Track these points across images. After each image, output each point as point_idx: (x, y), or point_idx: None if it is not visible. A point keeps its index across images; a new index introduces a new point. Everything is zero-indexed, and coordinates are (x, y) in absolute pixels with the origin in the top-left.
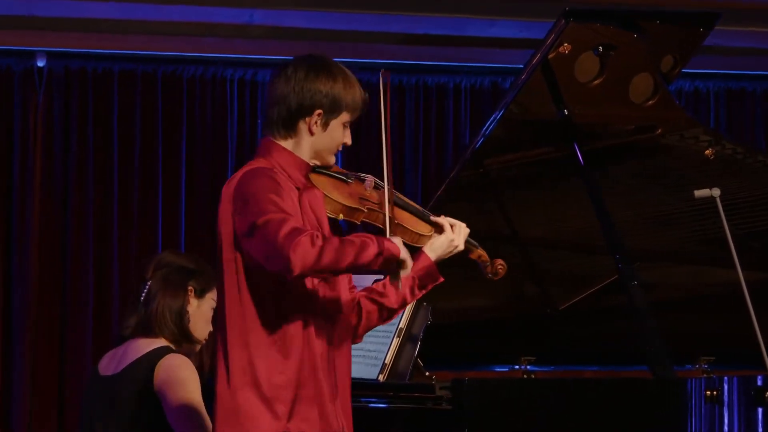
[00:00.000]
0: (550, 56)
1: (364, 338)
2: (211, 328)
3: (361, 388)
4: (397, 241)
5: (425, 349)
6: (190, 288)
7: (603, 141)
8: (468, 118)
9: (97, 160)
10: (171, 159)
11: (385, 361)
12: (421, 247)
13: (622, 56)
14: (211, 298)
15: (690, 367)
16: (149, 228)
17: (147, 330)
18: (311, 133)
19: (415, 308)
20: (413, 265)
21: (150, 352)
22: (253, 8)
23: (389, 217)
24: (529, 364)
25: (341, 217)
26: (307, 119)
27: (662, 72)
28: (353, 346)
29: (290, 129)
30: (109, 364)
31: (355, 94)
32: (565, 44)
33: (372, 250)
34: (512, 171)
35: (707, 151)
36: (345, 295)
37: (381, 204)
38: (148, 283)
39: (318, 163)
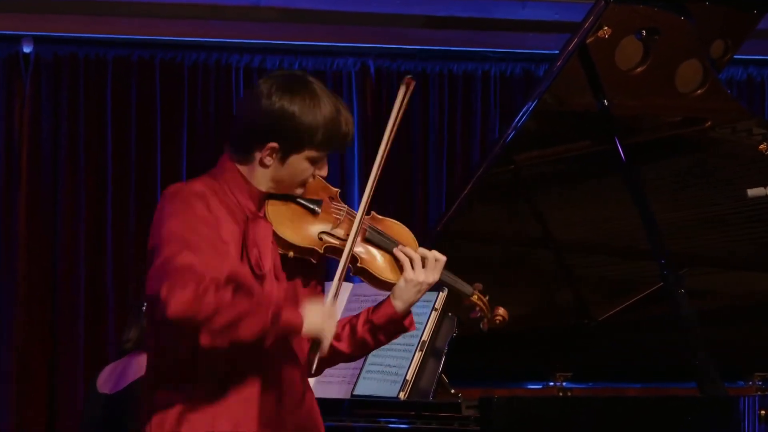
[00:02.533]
0: (588, 41)
1: (384, 352)
2: None
3: (380, 406)
4: (312, 311)
5: (451, 364)
6: None
7: (646, 135)
8: (497, 109)
9: (89, 154)
10: (170, 154)
11: (407, 378)
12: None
13: (667, 41)
14: None
15: (742, 383)
16: (147, 229)
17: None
18: (264, 166)
19: (440, 319)
20: (377, 311)
21: None
22: None
23: (345, 262)
24: (564, 381)
25: (291, 254)
26: (260, 149)
27: (712, 58)
28: (372, 360)
29: (245, 154)
30: (108, 381)
31: (329, 129)
32: (605, 27)
33: (260, 319)
34: (546, 168)
35: (761, 146)
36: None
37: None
38: None
39: (277, 192)
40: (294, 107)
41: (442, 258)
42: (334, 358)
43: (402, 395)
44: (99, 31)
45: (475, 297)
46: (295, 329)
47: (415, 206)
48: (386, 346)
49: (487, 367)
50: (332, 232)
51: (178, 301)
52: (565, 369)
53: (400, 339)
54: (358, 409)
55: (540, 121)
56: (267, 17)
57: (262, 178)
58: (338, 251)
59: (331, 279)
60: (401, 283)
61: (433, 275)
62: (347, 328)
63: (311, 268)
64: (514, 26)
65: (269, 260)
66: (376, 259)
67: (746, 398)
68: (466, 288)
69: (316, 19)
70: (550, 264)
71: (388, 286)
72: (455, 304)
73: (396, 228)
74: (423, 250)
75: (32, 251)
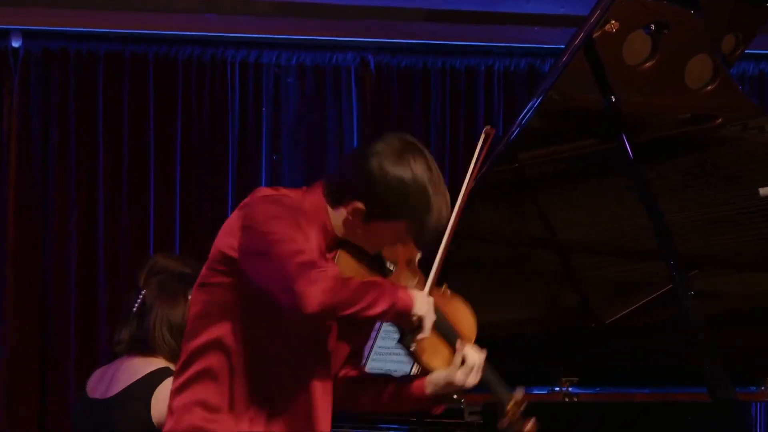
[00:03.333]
0: (595, 35)
1: (385, 358)
2: None
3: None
4: (420, 294)
5: None
6: (190, 297)
7: (654, 132)
8: (501, 105)
9: (80, 153)
10: (164, 152)
11: None
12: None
13: (676, 35)
14: None
15: (754, 388)
16: (139, 229)
17: (142, 346)
18: (346, 221)
19: None
20: (410, 385)
21: (145, 376)
22: None
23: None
24: (571, 386)
25: None
26: (346, 204)
27: (722, 53)
28: (373, 365)
29: (333, 200)
30: (99, 385)
31: (427, 214)
32: (612, 21)
33: (385, 302)
34: (551, 166)
35: None
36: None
37: None
38: (142, 292)
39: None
40: (404, 173)
41: (482, 365)
42: (353, 398)
43: None
44: (90, 26)
45: (510, 405)
46: (407, 309)
47: None
48: (387, 351)
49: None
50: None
51: (316, 296)
52: (571, 373)
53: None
54: (359, 414)
55: (545, 118)
56: (264, 11)
57: (340, 228)
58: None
59: None
60: (442, 376)
61: (473, 380)
62: (374, 383)
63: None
64: (518, 20)
65: None
66: (429, 344)
67: (757, 404)
68: (504, 396)
69: (315, 12)
70: (555, 265)
71: (433, 369)
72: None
73: (461, 312)
74: (473, 354)
75: (21, 251)
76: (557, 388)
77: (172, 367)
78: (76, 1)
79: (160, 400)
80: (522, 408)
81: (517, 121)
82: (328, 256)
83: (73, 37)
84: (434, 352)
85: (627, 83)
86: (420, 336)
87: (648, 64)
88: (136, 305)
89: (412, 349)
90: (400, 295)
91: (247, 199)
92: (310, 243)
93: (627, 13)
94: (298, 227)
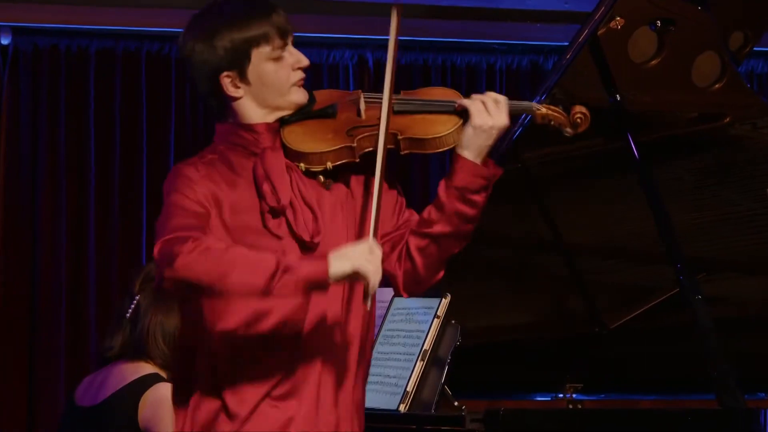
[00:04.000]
0: (600, 32)
1: (383, 362)
2: None
3: (379, 419)
4: (339, 254)
5: (454, 375)
6: None
7: (661, 131)
8: None
9: (70, 152)
10: (157, 151)
11: (407, 389)
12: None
13: (683, 32)
14: None
15: (763, 395)
16: (132, 232)
17: (134, 352)
18: (238, 97)
19: (442, 327)
20: (453, 173)
21: (135, 381)
22: None
23: (383, 136)
24: (575, 393)
25: (330, 165)
26: (222, 90)
27: (730, 50)
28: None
29: (222, 107)
30: (87, 393)
31: (250, 25)
32: (617, 18)
33: (266, 269)
34: (555, 166)
35: None
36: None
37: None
38: (136, 298)
39: (284, 111)
40: (209, 34)
41: (502, 98)
42: (430, 250)
43: (402, 408)
44: (81, 22)
45: (543, 110)
46: (319, 276)
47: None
48: (386, 356)
49: (492, 377)
50: (360, 122)
51: (171, 261)
52: (576, 380)
53: (400, 348)
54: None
55: None
56: None
57: (249, 110)
58: (372, 137)
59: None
60: (469, 131)
61: (500, 117)
62: (432, 210)
63: (359, 175)
64: (520, 16)
65: (287, 190)
66: (421, 123)
67: (767, 411)
68: (527, 106)
69: (310, 8)
70: (560, 268)
71: (442, 142)
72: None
73: (431, 91)
74: (479, 95)
75: (9, 254)
76: (561, 395)
77: (161, 373)
78: None
79: (148, 405)
80: (558, 106)
81: (520, 120)
82: (270, 146)
83: (64, 34)
84: (433, 124)
85: (633, 81)
86: (371, 290)
87: (654, 62)
88: (130, 311)
89: (368, 307)
90: (302, 262)
91: None
92: (191, 201)
93: (632, 10)
94: (179, 191)
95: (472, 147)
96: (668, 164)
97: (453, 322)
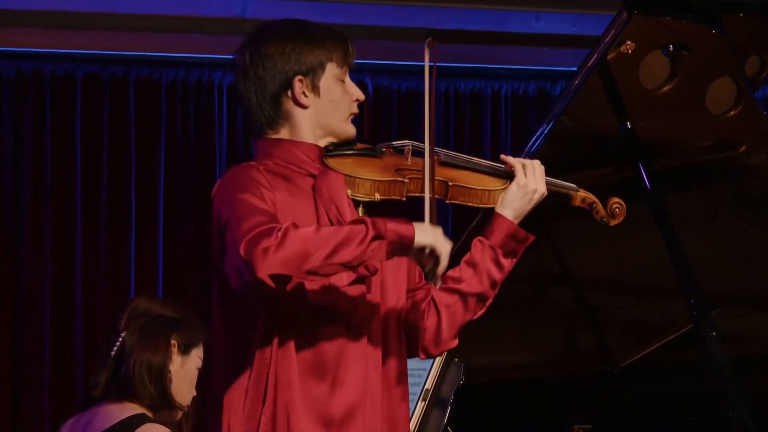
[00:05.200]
0: (610, 57)
1: None
2: (194, 393)
3: None
4: (422, 225)
5: (457, 415)
6: (173, 342)
7: (674, 160)
8: (509, 131)
9: (55, 183)
10: (146, 182)
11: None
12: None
13: (697, 56)
14: (197, 356)
15: None
16: (119, 263)
17: (120, 392)
18: (304, 107)
19: (444, 365)
20: (490, 232)
21: (120, 422)
22: None
23: (429, 177)
24: None
25: (377, 197)
26: (289, 93)
27: (746, 76)
28: None
29: (278, 115)
30: None
31: (326, 42)
32: (628, 42)
33: (362, 237)
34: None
35: None
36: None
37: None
38: (122, 334)
39: (332, 139)
40: (286, 40)
41: (540, 165)
42: (456, 308)
43: None
44: (67, 46)
45: (582, 192)
46: (407, 239)
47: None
48: None
49: (497, 418)
50: (408, 165)
51: (261, 256)
52: (585, 420)
53: None
54: None
55: (556, 145)
56: (252, 30)
57: (307, 126)
58: (420, 180)
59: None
60: (513, 188)
61: (541, 184)
62: (464, 267)
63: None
64: (527, 40)
65: (347, 214)
66: (469, 176)
67: None
68: (570, 186)
69: None
70: (568, 303)
71: (487, 197)
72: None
73: (466, 156)
74: (523, 159)
75: None
76: None
77: (147, 413)
78: (52, 19)
79: None
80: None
81: (527, 149)
82: (324, 169)
83: (49, 59)
84: (478, 179)
85: (644, 108)
86: (440, 269)
87: (667, 88)
88: (115, 348)
89: (437, 286)
90: (392, 225)
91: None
92: (261, 200)
93: (644, 33)
94: (252, 188)
95: (513, 207)
96: (681, 194)
97: (456, 360)
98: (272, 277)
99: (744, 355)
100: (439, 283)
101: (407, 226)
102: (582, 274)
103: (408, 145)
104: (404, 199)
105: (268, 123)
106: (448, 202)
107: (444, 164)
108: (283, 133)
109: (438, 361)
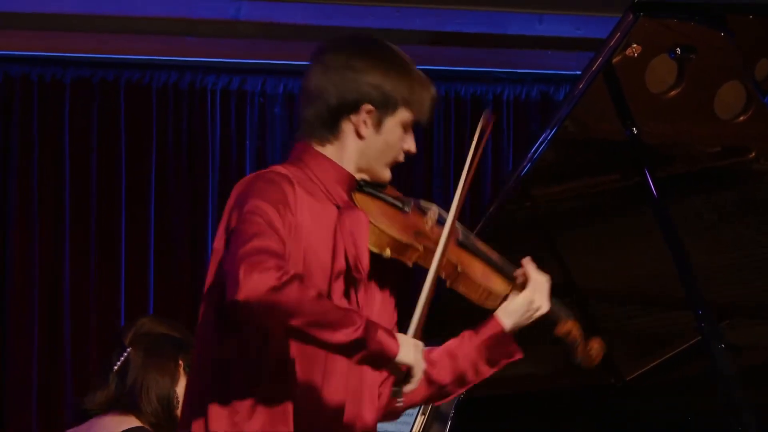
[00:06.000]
0: (615, 60)
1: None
2: None
3: None
4: (407, 341)
5: (457, 429)
6: (180, 362)
7: (681, 167)
8: (511, 137)
9: (44, 189)
10: (136, 189)
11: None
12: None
13: (705, 60)
14: None
15: None
16: (109, 275)
17: (122, 405)
18: (360, 136)
19: None
20: (481, 332)
21: None
22: (241, 0)
23: (438, 259)
24: None
25: (388, 253)
26: (353, 117)
27: (756, 80)
28: None
29: (332, 131)
30: None
31: (416, 85)
32: (634, 45)
33: (350, 331)
34: (567, 205)
35: None
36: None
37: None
38: (127, 350)
39: (367, 177)
40: (383, 66)
41: (547, 284)
42: (417, 390)
43: None
44: (55, 49)
45: (570, 324)
46: (388, 354)
47: None
48: None
49: None
50: (427, 232)
51: (255, 284)
52: None
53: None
54: None
55: (560, 151)
56: (247, 33)
57: (352, 154)
58: (432, 257)
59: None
60: (520, 299)
61: (546, 302)
62: (443, 355)
63: (392, 278)
64: (529, 43)
65: (367, 259)
66: (479, 269)
67: None
68: (565, 312)
69: (303, 35)
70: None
71: (486, 297)
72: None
73: (484, 244)
74: (534, 270)
75: None
76: None
77: (147, 427)
78: (39, 22)
79: None
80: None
81: (529, 155)
82: (351, 204)
83: (36, 62)
84: (487, 274)
85: (651, 112)
86: (409, 388)
87: (674, 92)
88: (118, 364)
89: (399, 401)
90: (381, 335)
91: (234, 191)
92: (281, 222)
93: (650, 36)
94: (278, 205)
95: (514, 318)
96: (688, 202)
97: None
98: (250, 309)
99: (753, 368)
100: (401, 401)
101: (393, 342)
102: (585, 283)
103: (434, 212)
104: (411, 265)
105: (319, 134)
106: (448, 286)
107: (461, 245)
108: (329, 150)
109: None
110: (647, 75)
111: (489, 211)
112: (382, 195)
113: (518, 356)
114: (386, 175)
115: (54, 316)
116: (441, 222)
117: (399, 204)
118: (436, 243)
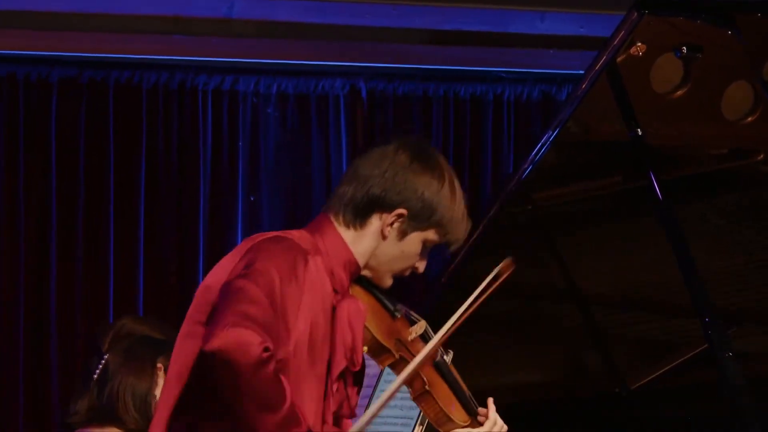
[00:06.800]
0: (619, 59)
1: (379, 428)
2: None
3: None
4: None
5: None
6: (159, 365)
7: (687, 169)
8: (511, 138)
9: (29, 191)
10: (126, 192)
11: None
12: None
13: (712, 59)
14: None
15: None
16: (97, 281)
17: (102, 416)
18: (383, 236)
19: None
20: None
21: None
22: None
23: (409, 373)
24: None
25: (365, 350)
26: (384, 216)
27: (764, 80)
28: None
29: (359, 218)
30: None
31: (456, 211)
32: (639, 44)
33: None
34: (569, 208)
35: None
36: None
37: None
38: (105, 356)
39: (369, 276)
40: (436, 180)
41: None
42: None
43: None
44: (42, 48)
45: None
46: None
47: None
48: (381, 420)
49: None
50: (408, 343)
51: (231, 337)
52: None
53: (397, 411)
54: None
55: (562, 152)
56: (240, 31)
57: (367, 249)
58: (405, 364)
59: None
60: None
61: None
62: None
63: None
64: (531, 42)
65: (360, 350)
66: (446, 394)
67: None
68: None
69: (298, 33)
70: (575, 321)
71: (444, 422)
72: None
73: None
74: (497, 417)
75: None
76: None
77: None
78: (25, 20)
79: None
80: None
81: (530, 157)
82: (350, 294)
83: (22, 61)
84: (450, 401)
85: (656, 113)
86: None
87: (679, 92)
88: (97, 372)
89: None
90: None
91: (249, 243)
92: (279, 304)
93: (655, 35)
94: (287, 281)
95: None
96: (694, 205)
97: None
98: (219, 363)
99: (762, 376)
100: None
101: None
102: (589, 290)
103: (421, 325)
104: (382, 368)
105: (348, 216)
106: (412, 398)
107: (435, 366)
108: (348, 236)
109: None
110: (652, 75)
111: (489, 214)
112: (377, 293)
113: None
114: (388, 282)
115: (40, 319)
116: (423, 338)
117: (391, 307)
118: (413, 357)
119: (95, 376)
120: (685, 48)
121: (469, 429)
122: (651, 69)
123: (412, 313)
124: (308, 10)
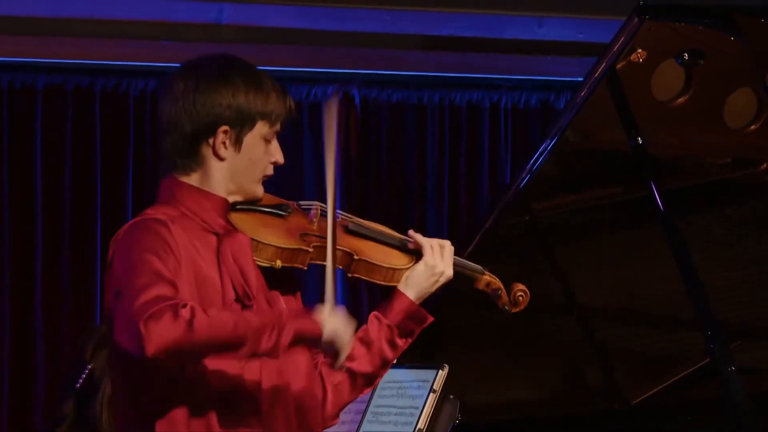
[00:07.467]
0: (619, 66)
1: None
2: None
3: None
4: (323, 317)
5: None
6: None
7: (689, 179)
8: (509, 147)
9: (14, 202)
10: (113, 201)
11: None
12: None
13: (714, 66)
14: None
15: None
16: (83, 293)
17: (86, 428)
18: (221, 158)
19: (439, 403)
20: (389, 310)
21: None
22: (223, 2)
23: (331, 252)
24: None
25: (279, 264)
26: (210, 141)
27: None
28: None
29: (193, 159)
30: None
31: (269, 97)
32: (639, 50)
33: (266, 337)
34: (568, 218)
35: None
36: (299, 366)
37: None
38: (89, 366)
39: (240, 198)
40: (230, 84)
41: (450, 246)
42: (343, 386)
43: None
44: (26, 54)
45: (487, 276)
46: (314, 335)
47: None
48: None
49: None
50: (313, 231)
51: (159, 334)
52: None
53: (390, 427)
54: None
55: (561, 162)
56: (229, 37)
57: (220, 178)
58: (324, 252)
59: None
60: (420, 267)
61: (449, 266)
62: (359, 344)
63: (287, 283)
64: (529, 48)
65: (254, 281)
66: (375, 250)
67: None
68: (476, 268)
69: (288, 38)
70: (574, 335)
71: (392, 276)
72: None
73: (374, 224)
74: (433, 239)
75: None
76: None
77: None
78: (9, 25)
79: None
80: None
81: (528, 166)
82: (230, 229)
83: (7, 68)
84: (384, 253)
85: (656, 122)
86: (341, 360)
87: (681, 100)
88: (80, 381)
89: (342, 369)
90: (298, 323)
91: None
92: (176, 266)
93: (656, 40)
94: (159, 250)
95: (416, 288)
96: (697, 216)
97: (451, 396)
98: (165, 358)
99: (765, 392)
100: (342, 367)
101: (313, 322)
102: (588, 302)
103: (316, 207)
104: (305, 268)
105: (181, 164)
106: (350, 276)
107: (351, 233)
108: (194, 179)
109: (432, 398)
110: (653, 82)
111: (487, 225)
112: (256, 207)
113: (430, 320)
114: (258, 191)
115: (25, 328)
116: (324, 215)
117: (276, 211)
118: (325, 238)
119: (78, 386)
120: (686, 54)
121: (418, 265)
122: (652, 76)
123: (301, 203)
124: (299, 15)
